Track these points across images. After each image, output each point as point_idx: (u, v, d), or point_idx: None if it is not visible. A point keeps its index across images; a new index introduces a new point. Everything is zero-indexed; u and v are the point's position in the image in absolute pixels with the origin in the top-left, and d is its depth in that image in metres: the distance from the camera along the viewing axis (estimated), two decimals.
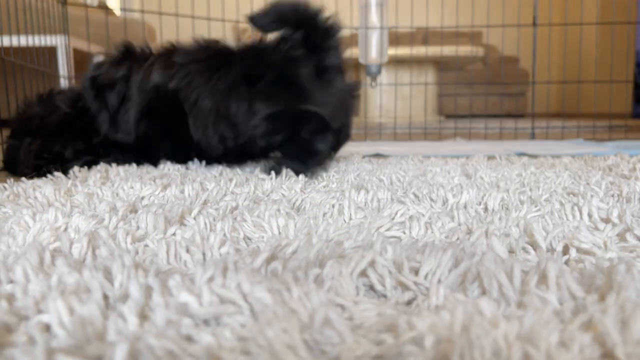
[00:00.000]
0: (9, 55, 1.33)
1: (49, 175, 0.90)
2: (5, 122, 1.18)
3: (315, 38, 1.02)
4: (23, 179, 0.86)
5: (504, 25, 2.11)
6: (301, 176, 0.92)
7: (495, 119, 3.62)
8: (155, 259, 0.47)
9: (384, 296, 0.39)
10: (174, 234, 0.54)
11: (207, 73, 1.04)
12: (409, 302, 0.38)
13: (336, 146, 1.09)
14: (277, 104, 0.99)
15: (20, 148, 1.07)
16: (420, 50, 3.15)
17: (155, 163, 1.09)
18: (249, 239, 0.54)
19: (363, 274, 0.41)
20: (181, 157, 1.10)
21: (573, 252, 0.49)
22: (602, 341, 0.30)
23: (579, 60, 2.18)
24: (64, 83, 1.93)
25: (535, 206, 0.65)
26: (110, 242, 0.50)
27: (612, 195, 0.74)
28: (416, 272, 0.41)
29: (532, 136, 2.17)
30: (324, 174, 0.97)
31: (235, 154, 1.08)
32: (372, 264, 0.41)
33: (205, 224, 0.57)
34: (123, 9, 2.04)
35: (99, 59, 1.17)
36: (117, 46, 1.15)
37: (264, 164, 1.06)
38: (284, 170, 0.92)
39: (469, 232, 0.56)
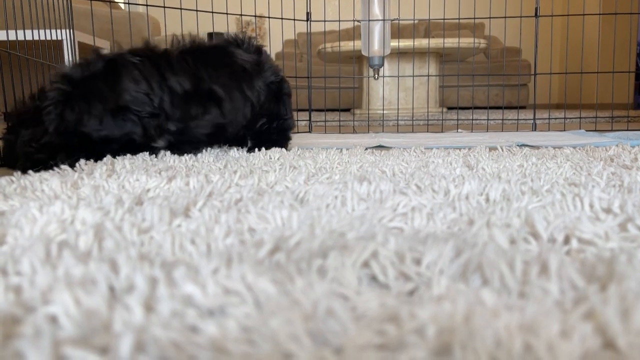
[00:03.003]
0: (15, 49, 1.33)
1: (55, 169, 0.91)
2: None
3: None
4: (30, 172, 0.87)
5: (506, 17, 2.10)
6: (304, 169, 0.93)
7: (497, 110, 3.62)
8: (160, 250, 0.47)
9: (386, 286, 0.39)
10: (179, 226, 0.54)
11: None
12: (411, 293, 0.38)
13: None
14: None
15: (15, 142, 1.07)
16: (422, 42, 3.14)
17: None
18: (253, 230, 0.54)
19: (365, 264, 0.41)
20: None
21: (574, 243, 0.49)
22: (603, 331, 0.30)
23: (581, 51, 2.17)
24: None
25: (537, 197, 0.66)
26: (116, 234, 0.50)
27: (614, 186, 0.74)
28: (418, 262, 0.41)
29: (534, 127, 2.16)
30: (327, 166, 0.97)
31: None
32: (374, 254, 0.42)
33: (210, 215, 0.57)
34: (127, 3, 2.03)
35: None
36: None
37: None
38: (288, 166, 0.95)
39: (471, 222, 0.56)
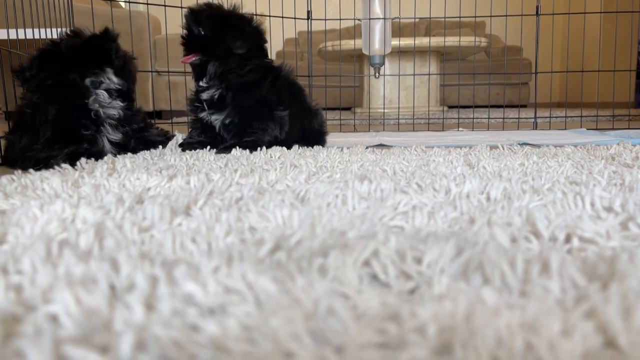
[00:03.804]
0: (16, 47, 1.33)
1: (56, 167, 0.91)
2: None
3: None
4: (31, 170, 0.87)
5: (507, 15, 2.10)
6: (305, 167, 0.93)
7: (498, 109, 3.61)
8: (161, 249, 0.47)
9: (387, 285, 0.39)
10: (179, 225, 0.54)
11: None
12: (411, 291, 0.38)
13: None
14: None
15: (17, 142, 1.08)
16: (423, 41, 3.14)
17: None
18: (254, 229, 0.54)
19: (366, 263, 0.41)
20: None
21: (575, 241, 0.49)
22: (605, 330, 0.30)
23: (582, 50, 2.17)
24: None
25: (538, 195, 0.65)
26: (117, 233, 0.50)
27: (615, 184, 0.74)
28: (419, 261, 0.41)
29: (535, 126, 2.16)
30: (328, 165, 0.98)
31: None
32: (375, 253, 0.42)
33: (211, 214, 0.57)
34: (128, 2, 2.03)
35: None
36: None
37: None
38: (288, 164, 0.96)
39: (472, 221, 0.56)
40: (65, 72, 1.14)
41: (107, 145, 1.14)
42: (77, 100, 1.12)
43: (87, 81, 1.15)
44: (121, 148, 1.17)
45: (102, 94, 1.15)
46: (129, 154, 1.13)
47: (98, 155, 1.05)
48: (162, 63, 2.93)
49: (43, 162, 0.99)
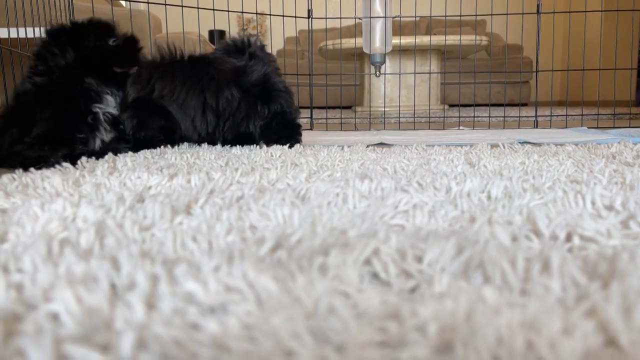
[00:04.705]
0: (16, 46, 1.33)
1: (57, 166, 0.91)
2: None
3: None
4: (32, 169, 0.87)
5: (507, 14, 2.09)
6: (306, 166, 0.93)
7: (498, 107, 3.61)
8: (162, 248, 0.47)
9: (388, 284, 0.39)
10: (180, 223, 0.54)
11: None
12: (412, 290, 0.38)
13: None
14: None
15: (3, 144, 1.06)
16: (423, 39, 3.14)
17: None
18: (255, 227, 0.54)
19: (367, 262, 0.41)
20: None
21: (576, 240, 0.49)
22: (605, 329, 0.30)
23: (582, 48, 2.17)
24: None
25: (539, 194, 0.65)
26: (118, 232, 0.50)
27: (616, 183, 0.74)
28: (419, 260, 0.41)
29: (536, 124, 2.16)
30: (329, 164, 0.97)
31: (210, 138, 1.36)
32: (376, 252, 0.42)
33: (212, 213, 0.57)
34: (129, 0, 2.03)
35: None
36: None
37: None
38: (289, 163, 0.95)
39: (472, 220, 0.56)
40: (83, 75, 1.15)
41: (99, 145, 1.14)
42: (80, 103, 1.12)
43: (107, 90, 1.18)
44: (116, 142, 1.18)
45: (111, 101, 1.18)
46: (130, 152, 1.13)
47: (98, 154, 1.05)
48: None
49: (34, 162, 0.97)
